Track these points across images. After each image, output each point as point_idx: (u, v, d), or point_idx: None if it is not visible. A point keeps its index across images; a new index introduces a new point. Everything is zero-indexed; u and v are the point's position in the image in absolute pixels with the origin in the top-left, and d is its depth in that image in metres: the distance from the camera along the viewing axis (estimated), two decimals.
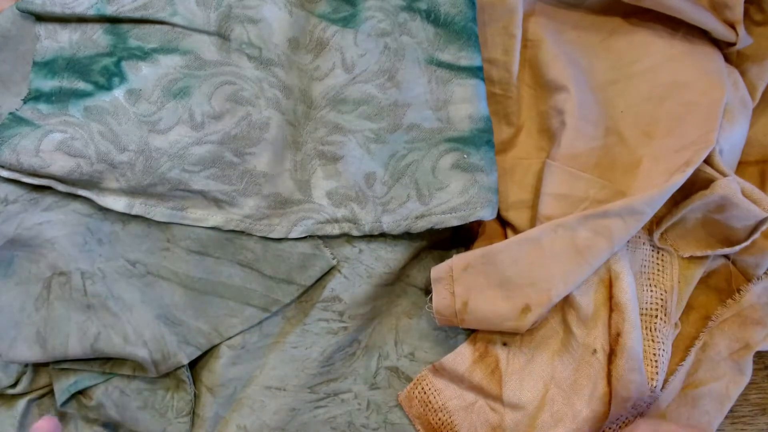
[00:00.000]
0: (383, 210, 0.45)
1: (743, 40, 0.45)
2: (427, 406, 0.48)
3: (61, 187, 0.44)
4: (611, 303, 0.44)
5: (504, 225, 0.50)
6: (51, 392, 0.49)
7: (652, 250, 0.46)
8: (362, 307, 0.48)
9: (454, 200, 0.44)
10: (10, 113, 0.44)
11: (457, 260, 0.44)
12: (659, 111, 0.44)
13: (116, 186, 0.44)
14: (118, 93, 0.44)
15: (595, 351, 0.44)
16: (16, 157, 0.42)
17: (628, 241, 0.45)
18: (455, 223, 0.44)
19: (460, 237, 0.50)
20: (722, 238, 0.45)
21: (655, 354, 0.44)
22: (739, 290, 0.47)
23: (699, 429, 0.43)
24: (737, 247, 0.44)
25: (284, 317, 0.48)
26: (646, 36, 0.46)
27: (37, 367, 0.49)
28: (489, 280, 0.44)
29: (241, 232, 0.46)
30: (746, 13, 0.46)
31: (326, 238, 0.47)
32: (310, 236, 0.46)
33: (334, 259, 0.47)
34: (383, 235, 0.47)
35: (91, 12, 0.44)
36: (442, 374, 0.48)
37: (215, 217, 0.45)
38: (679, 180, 0.42)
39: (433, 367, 0.48)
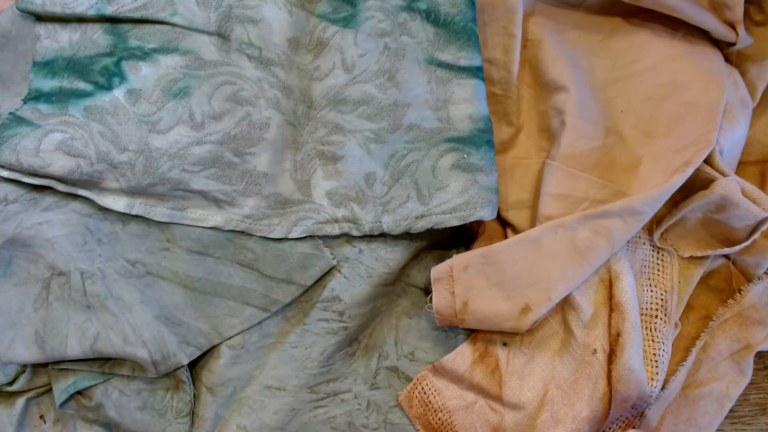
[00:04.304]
0: (383, 210, 0.45)
1: (743, 40, 0.45)
2: (427, 406, 0.48)
3: (61, 187, 0.44)
4: (611, 303, 0.44)
5: (504, 225, 0.50)
6: (50, 391, 0.49)
7: (652, 250, 0.46)
8: (362, 307, 0.48)
9: (454, 200, 0.44)
10: (10, 113, 0.44)
11: (457, 260, 0.44)
12: (659, 111, 0.44)
13: (116, 186, 0.44)
14: (118, 93, 0.44)
15: (595, 351, 0.44)
16: (16, 157, 0.42)
17: (628, 241, 0.45)
18: (455, 223, 0.44)
19: (460, 237, 0.50)
20: (722, 238, 0.45)
21: (655, 354, 0.44)
22: (740, 290, 0.47)
23: None
24: (737, 247, 0.44)
25: (284, 317, 0.48)
26: (646, 36, 0.46)
27: (36, 366, 0.49)
28: (489, 280, 0.44)
29: (241, 232, 0.46)
30: (746, 13, 0.46)
31: (326, 238, 0.47)
32: (310, 236, 0.46)
33: (334, 259, 0.47)
34: (383, 235, 0.47)
35: (91, 12, 0.44)
36: (442, 374, 0.48)
37: (215, 217, 0.45)
38: (679, 180, 0.42)
39: (433, 367, 0.48)
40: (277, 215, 0.46)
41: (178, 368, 0.48)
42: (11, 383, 0.49)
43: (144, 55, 0.45)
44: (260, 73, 0.45)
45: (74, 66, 0.45)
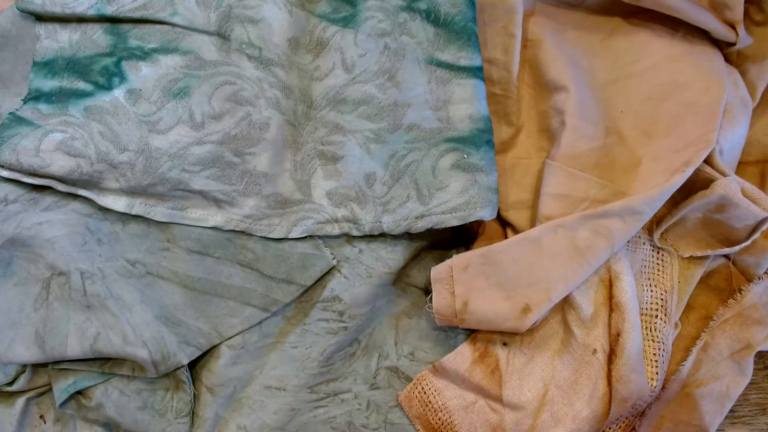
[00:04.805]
0: (383, 210, 0.45)
1: (743, 40, 0.45)
2: (427, 406, 0.48)
3: (61, 187, 0.44)
4: (611, 303, 0.44)
5: (504, 225, 0.50)
6: (50, 391, 0.49)
7: (652, 250, 0.46)
8: (362, 307, 0.48)
9: (454, 200, 0.44)
10: (10, 113, 0.44)
11: (457, 260, 0.44)
12: (659, 111, 0.44)
13: (116, 186, 0.44)
14: (118, 93, 0.44)
15: (595, 351, 0.44)
16: (16, 157, 0.42)
17: (628, 241, 0.45)
18: (455, 223, 0.44)
19: (460, 237, 0.50)
20: (722, 238, 0.45)
21: (655, 354, 0.44)
22: (740, 290, 0.47)
23: None
24: (737, 247, 0.44)
25: (284, 317, 0.48)
26: (646, 36, 0.46)
27: (36, 366, 0.49)
28: (489, 280, 0.44)
29: (241, 232, 0.46)
30: (746, 13, 0.46)
31: (326, 238, 0.47)
32: (310, 236, 0.46)
33: (334, 259, 0.47)
34: (383, 235, 0.47)
35: (91, 12, 0.44)
36: (442, 374, 0.48)
37: (215, 217, 0.45)
38: (679, 180, 0.42)
39: (433, 367, 0.48)
40: (277, 215, 0.46)
41: (178, 368, 0.48)
42: (11, 383, 0.49)
43: (144, 55, 0.45)
44: (260, 73, 0.45)
45: (74, 66, 0.45)
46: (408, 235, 0.47)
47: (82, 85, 0.45)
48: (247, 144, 0.45)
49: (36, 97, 0.45)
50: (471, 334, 0.49)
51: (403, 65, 0.45)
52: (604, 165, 0.45)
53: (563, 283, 0.43)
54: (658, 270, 0.46)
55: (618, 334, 0.43)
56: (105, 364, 0.48)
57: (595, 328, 0.44)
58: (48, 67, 0.45)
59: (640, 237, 0.46)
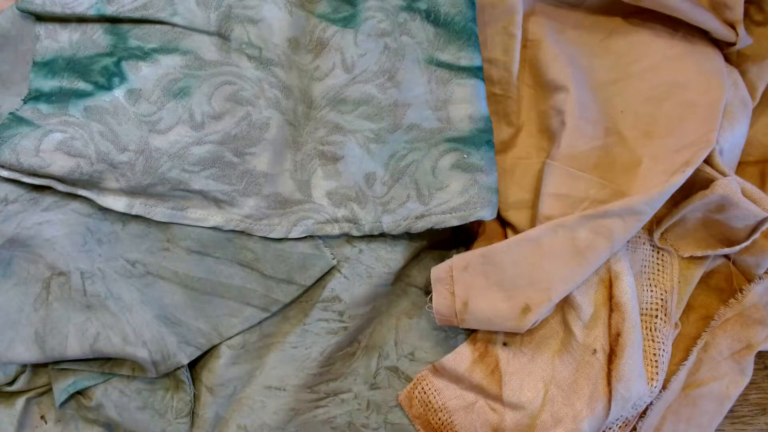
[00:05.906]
0: (383, 210, 0.45)
1: (743, 40, 0.45)
2: (427, 406, 0.48)
3: (61, 187, 0.44)
4: (611, 303, 0.44)
5: (504, 225, 0.50)
6: (50, 391, 0.49)
7: (652, 250, 0.46)
8: (362, 307, 0.48)
9: (454, 200, 0.44)
10: (10, 113, 0.44)
11: (457, 260, 0.44)
12: (659, 111, 0.44)
13: (116, 186, 0.44)
14: (118, 93, 0.44)
15: (595, 351, 0.44)
16: (16, 157, 0.42)
17: (628, 241, 0.45)
18: (455, 223, 0.44)
19: (460, 237, 0.50)
20: (722, 238, 0.45)
21: (655, 354, 0.44)
22: (741, 290, 0.47)
23: None
24: (737, 247, 0.44)
25: (284, 317, 0.48)
26: (646, 36, 0.46)
27: (36, 365, 0.49)
28: (489, 280, 0.44)
29: (241, 232, 0.46)
30: (746, 13, 0.46)
31: (326, 238, 0.47)
32: (310, 236, 0.46)
33: (334, 259, 0.47)
34: (383, 235, 0.47)
35: (91, 12, 0.44)
36: (442, 374, 0.48)
37: (215, 217, 0.45)
38: (679, 180, 0.42)
39: (433, 367, 0.48)
40: (277, 215, 0.46)
41: (178, 368, 0.48)
42: (11, 383, 0.49)
43: (144, 55, 0.45)
44: (260, 73, 0.45)
45: (74, 66, 0.45)
46: (408, 235, 0.47)
47: (82, 85, 0.45)
48: (247, 144, 0.45)
49: (36, 97, 0.45)
50: (471, 334, 0.49)
51: (403, 65, 0.45)
52: (604, 165, 0.45)
53: (563, 283, 0.43)
54: (658, 270, 0.46)
55: (618, 334, 0.43)
56: (105, 364, 0.48)
57: (595, 328, 0.44)
58: (48, 67, 0.45)
59: (640, 237, 0.46)
